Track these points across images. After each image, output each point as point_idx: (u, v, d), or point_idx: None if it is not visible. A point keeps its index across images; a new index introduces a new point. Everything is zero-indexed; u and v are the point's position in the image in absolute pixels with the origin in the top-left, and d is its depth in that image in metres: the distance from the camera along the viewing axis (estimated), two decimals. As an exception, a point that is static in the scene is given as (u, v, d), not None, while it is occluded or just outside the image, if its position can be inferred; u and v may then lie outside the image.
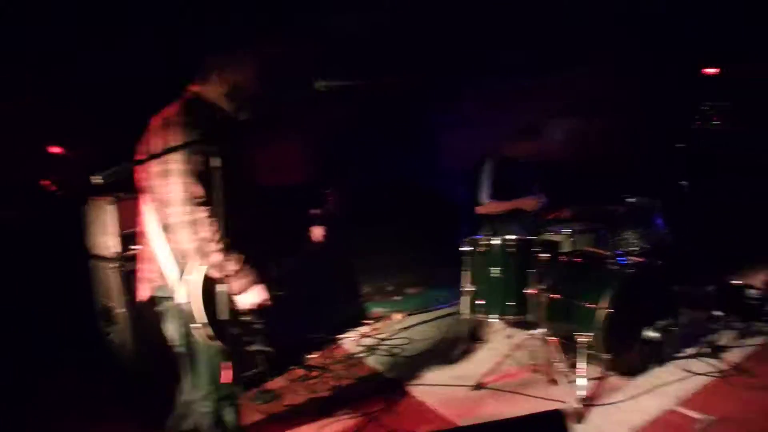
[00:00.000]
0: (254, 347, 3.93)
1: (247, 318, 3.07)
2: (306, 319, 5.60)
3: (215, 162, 2.71)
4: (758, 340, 5.32)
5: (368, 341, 5.67)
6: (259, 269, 3.05)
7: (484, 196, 5.76)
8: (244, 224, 2.98)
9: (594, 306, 4.50)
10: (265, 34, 3.46)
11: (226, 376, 2.94)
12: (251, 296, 3.02)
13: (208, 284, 2.89)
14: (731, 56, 8.89)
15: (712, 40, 8.58)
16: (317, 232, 3.50)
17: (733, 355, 5.01)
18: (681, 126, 5.35)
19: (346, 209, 3.70)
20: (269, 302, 3.10)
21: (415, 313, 6.38)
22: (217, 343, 2.93)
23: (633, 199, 5.46)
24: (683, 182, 5.39)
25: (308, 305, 5.58)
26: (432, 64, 6.06)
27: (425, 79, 6.05)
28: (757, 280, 6.47)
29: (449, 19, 6.04)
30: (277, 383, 4.80)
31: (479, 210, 5.80)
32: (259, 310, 3.10)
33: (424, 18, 5.83)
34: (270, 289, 3.10)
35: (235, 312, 2.99)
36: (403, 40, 5.76)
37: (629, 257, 4.91)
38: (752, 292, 5.89)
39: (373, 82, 3.67)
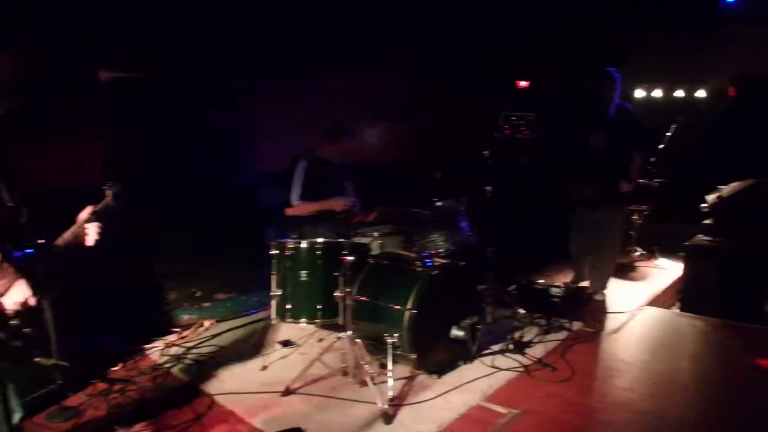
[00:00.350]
0: (47, 361, 3.69)
1: (16, 323, 2.80)
2: (108, 328, 5.34)
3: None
4: (560, 335, 5.59)
5: (175, 350, 5.40)
6: (25, 267, 2.82)
7: (294, 197, 5.70)
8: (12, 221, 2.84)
9: (400, 307, 4.53)
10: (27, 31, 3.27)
11: None
12: (13, 295, 2.78)
13: None
14: (538, 69, 9.42)
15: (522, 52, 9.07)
16: (91, 230, 3.26)
17: (536, 351, 5.22)
18: (488, 133, 5.51)
19: (130, 207, 3.49)
20: (33, 301, 2.85)
21: (226, 320, 6.17)
22: None
23: (439, 203, 5.57)
24: (487, 187, 5.55)
25: (110, 313, 5.35)
26: (226, 62, 5.94)
27: (218, 76, 5.91)
28: (559, 280, 6.83)
29: (245, 16, 5.97)
30: (77, 399, 4.44)
31: (289, 212, 5.73)
32: (29, 313, 2.85)
33: (217, 14, 5.73)
34: (36, 287, 2.86)
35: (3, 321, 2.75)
36: (194, 35, 5.61)
37: (435, 259, 4.97)
38: (554, 290, 6.16)
39: (160, 74, 3.51)
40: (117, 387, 4.64)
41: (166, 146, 5.76)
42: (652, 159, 7.90)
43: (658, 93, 10.51)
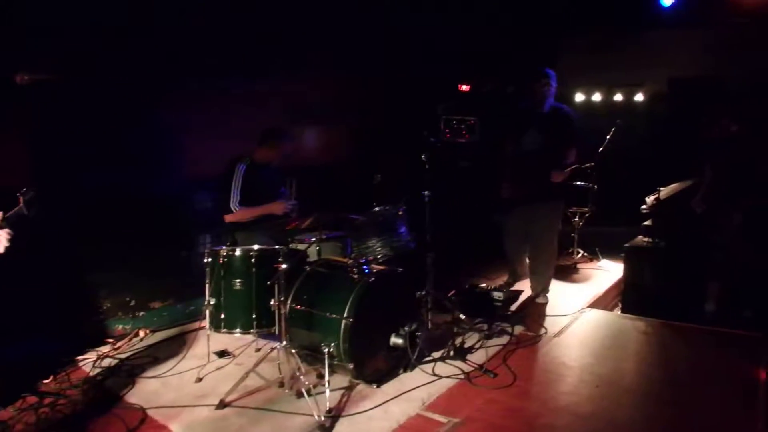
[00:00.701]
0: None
1: None
2: (37, 338, 5.18)
3: None
4: (502, 340, 5.54)
5: (108, 362, 5.24)
6: None
7: (234, 203, 5.57)
8: None
9: (336, 316, 4.43)
10: None
11: None
12: None
13: None
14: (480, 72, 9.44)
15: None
16: (1, 237, 3.13)
17: (478, 357, 5.17)
18: (426, 138, 5.44)
19: (42, 214, 3.36)
20: None
21: (161, 329, 6.02)
22: None
23: (377, 208, 5.49)
24: (426, 192, 5.47)
25: (36, 324, 5.18)
26: (153, 63, 5.79)
27: (146, 78, 5.76)
28: (500, 282, 6.80)
29: (171, 15, 5.84)
30: (6, 413, 4.27)
31: (228, 218, 5.61)
32: None
33: (143, 14, 5.58)
34: None
35: None
36: (119, 35, 5.46)
37: (372, 265, 4.87)
38: (496, 294, 6.12)
39: (83, 75, 3.39)
40: (48, 400, 4.49)
41: (94, 150, 5.57)
42: (591, 163, 7.96)
43: (597, 97, 10.65)
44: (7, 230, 3.22)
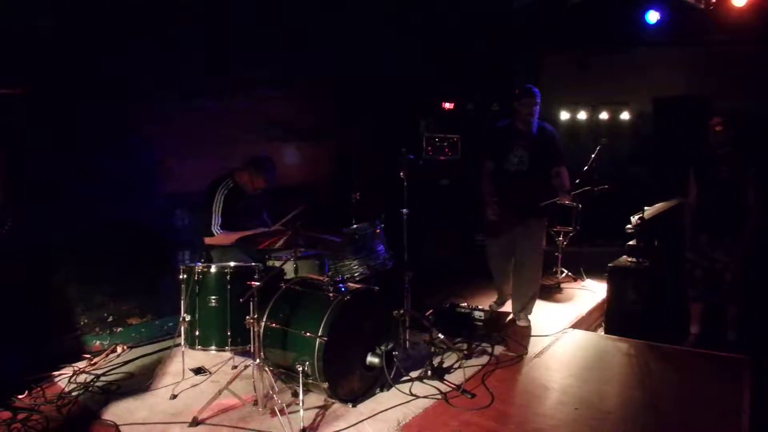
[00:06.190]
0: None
1: None
2: (11, 354, 5.15)
3: None
4: (481, 360, 5.47)
5: (84, 377, 5.19)
6: None
7: (215, 227, 5.54)
8: None
9: (311, 334, 4.37)
10: None
11: None
12: None
13: None
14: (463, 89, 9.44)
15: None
16: None
17: (456, 377, 5.10)
18: (405, 155, 5.40)
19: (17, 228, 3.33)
20: None
21: (138, 345, 5.98)
22: None
23: (355, 226, 5.44)
24: (403, 209, 5.43)
25: (10, 338, 5.13)
26: (122, 79, 5.77)
27: (116, 94, 5.74)
28: (481, 303, 6.72)
29: (146, 26, 5.83)
30: None
31: (209, 241, 5.58)
32: None
33: (115, 26, 5.56)
34: None
35: None
36: (91, 48, 5.43)
37: (348, 284, 4.82)
38: (477, 314, 6.06)
39: (48, 89, 3.36)
40: (21, 416, 4.46)
41: (71, 165, 5.54)
42: (577, 180, 7.92)
43: (582, 115, 10.66)
44: None
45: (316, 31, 7.48)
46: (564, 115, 10.71)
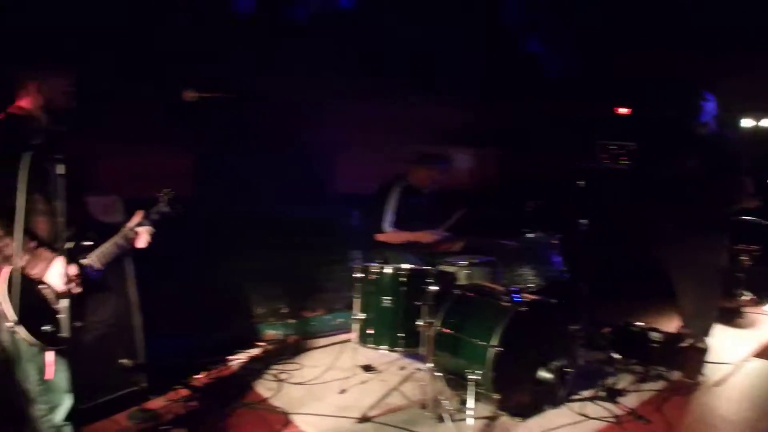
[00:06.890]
0: (129, 363, 4.20)
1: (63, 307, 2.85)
2: (195, 338, 5.45)
3: (60, 169, 2.74)
4: (657, 385, 5.21)
5: (258, 365, 5.43)
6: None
7: (387, 224, 5.60)
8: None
9: (484, 343, 4.29)
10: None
11: (49, 372, 3.00)
12: (54, 272, 2.99)
13: (27, 283, 2.92)
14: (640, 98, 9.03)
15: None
16: (143, 234, 3.44)
17: (630, 400, 4.86)
18: (583, 164, 5.23)
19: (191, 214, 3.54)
20: (75, 270, 3.08)
21: (310, 338, 6.16)
22: (37, 342, 2.93)
23: (531, 235, 5.31)
24: (583, 220, 5.24)
25: (195, 324, 5.46)
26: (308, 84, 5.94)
27: (298, 98, 5.92)
28: (661, 323, 6.38)
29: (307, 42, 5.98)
30: (157, 402, 4.54)
31: (379, 237, 5.64)
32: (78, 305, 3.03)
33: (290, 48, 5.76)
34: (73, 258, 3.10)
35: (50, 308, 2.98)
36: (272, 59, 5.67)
37: (524, 294, 4.71)
38: (654, 335, 5.77)
39: (244, 94, 3.54)
40: (198, 395, 4.74)
41: (257, 164, 5.81)
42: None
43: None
44: (149, 227, 3.43)
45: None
46: (747, 123, 9.99)
